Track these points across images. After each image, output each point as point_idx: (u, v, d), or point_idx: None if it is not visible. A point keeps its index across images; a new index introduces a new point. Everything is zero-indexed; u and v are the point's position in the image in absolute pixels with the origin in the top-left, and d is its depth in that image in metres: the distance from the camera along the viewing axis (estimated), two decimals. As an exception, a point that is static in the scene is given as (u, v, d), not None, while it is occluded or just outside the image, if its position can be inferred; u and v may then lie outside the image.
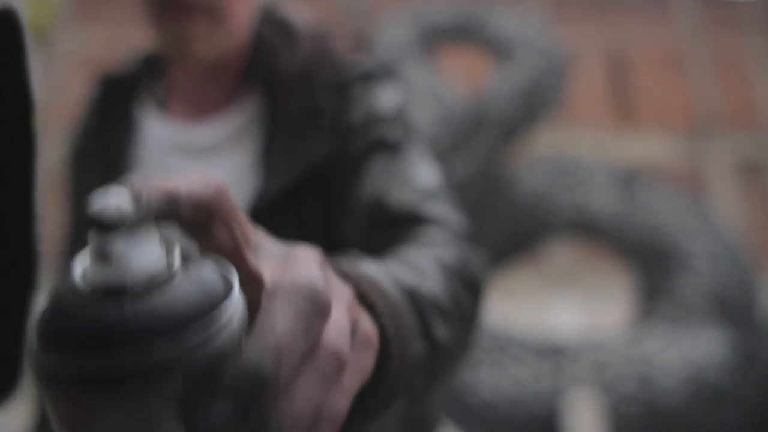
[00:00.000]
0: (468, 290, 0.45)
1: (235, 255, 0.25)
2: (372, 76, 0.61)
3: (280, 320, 0.22)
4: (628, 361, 2.70)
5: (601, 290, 3.52)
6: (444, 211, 0.53)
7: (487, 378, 2.70)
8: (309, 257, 0.25)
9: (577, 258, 3.76)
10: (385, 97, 0.59)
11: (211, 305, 0.22)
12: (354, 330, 0.27)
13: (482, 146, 3.31)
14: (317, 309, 0.24)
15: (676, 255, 3.02)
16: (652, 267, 3.10)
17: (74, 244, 0.74)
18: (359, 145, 0.57)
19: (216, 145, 0.61)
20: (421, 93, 3.30)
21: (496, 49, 3.61)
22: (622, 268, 3.32)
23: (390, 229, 0.51)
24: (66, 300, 0.21)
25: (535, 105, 3.44)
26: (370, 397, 0.31)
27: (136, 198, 0.21)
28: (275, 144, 0.58)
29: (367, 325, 0.28)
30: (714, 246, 3.01)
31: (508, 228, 3.24)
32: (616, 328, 3.00)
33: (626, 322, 3.06)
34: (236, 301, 0.23)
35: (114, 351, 0.20)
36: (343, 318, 0.26)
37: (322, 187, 0.57)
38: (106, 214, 0.21)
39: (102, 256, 0.21)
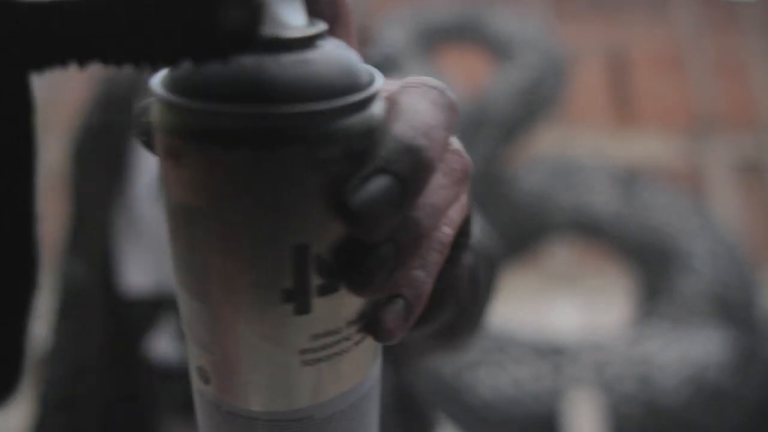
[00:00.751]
0: (488, 267, 0.44)
1: None
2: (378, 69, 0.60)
3: (421, 104, 0.21)
4: (628, 361, 2.70)
5: (601, 290, 3.52)
6: None
7: (486, 378, 2.70)
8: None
9: (577, 258, 3.76)
10: None
11: (364, 74, 0.21)
12: None
13: (482, 146, 3.31)
14: (449, 102, 0.22)
15: (676, 255, 3.02)
16: (652, 267, 3.10)
17: (74, 242, 0.73)
18: None
19: None
20: (421, 93, 3.30)
21: (496, 49, 3.61)
22: (622, 268, 3.32)
23: None
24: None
25: (535, 105, 3.44)
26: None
27: None
28: None
29: None
30: (714, 246, 3.01)
31: (508, 228, 3.24)
32: (616, 328, 3.00)
33: (626, 322, 3.06)
34: (380, 76, 0.21)
35: (276, 106, 0.18)
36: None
37: None
38: None
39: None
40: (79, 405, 0.63)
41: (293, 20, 0.20)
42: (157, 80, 0.20)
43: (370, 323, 0.22)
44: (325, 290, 0.21)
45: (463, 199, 0.25)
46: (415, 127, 0.20)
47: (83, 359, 0.64)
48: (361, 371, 0.23)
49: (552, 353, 2.75)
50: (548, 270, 4.27)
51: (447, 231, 0.23)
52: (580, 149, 4.01)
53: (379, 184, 0.19)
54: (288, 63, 0.19)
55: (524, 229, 3.30)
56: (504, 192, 3.30)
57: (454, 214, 0.24)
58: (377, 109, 0.20)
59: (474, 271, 0.37)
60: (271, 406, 0.22)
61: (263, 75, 0.18)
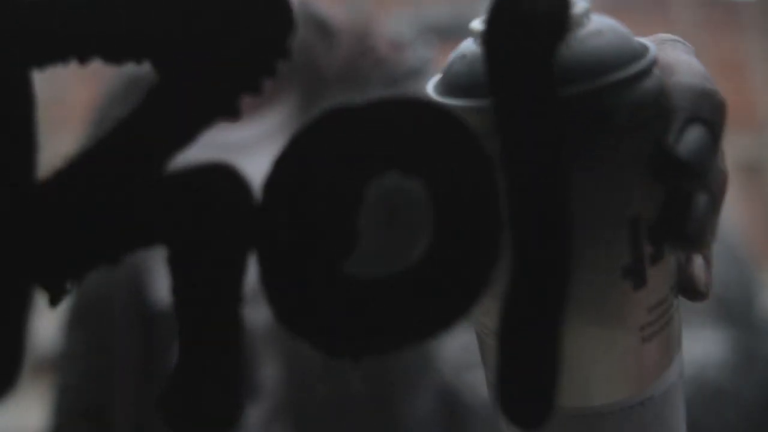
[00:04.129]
0: None
1: None
2: (419, 75, 0.58)
3: (684, 56, 0.22)
4: (628, 361, 2.70)
5: (601, 290, 3.52)
6: None
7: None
8: None
9: (577, 258, 3.75)
10: None
11: (637, 42, 0.21)
12: None
13: (482, 146, 3.31)
14: (692, 48, 0.23)
15: (676, 255, 3.02)
16: (652, 267, 3.10)
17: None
18: None
19: (250, 143, 0.58)
20: (421, 93, 3.30)
21: (496, 49, 3.60)
22: (622, 268, 3.32)
23: None
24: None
25: (535, 105, 3.43)
26: None
27: None
28: None
29: None
30: (714, 246, 3.00)
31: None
32: (616, 328, 3.00)
33: (626, 322, 3.06)
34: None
35: (601, 79, 0.19)
36: None
37: None
38: None
39: None
40: (101, 416, 0.62)
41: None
42: (437, 89, 0.20)
43: (686, 282, 0.22)
44: (655, 259, 0.21)
45: None
46: (697, 74, 0.21)
47: (100, 368, 0.62)
48: (681, 338, 0.23)
49: (552, 353, 2.74)
50: (548, 270, 4.25)
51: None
52: (580, 149, 4.00)
53: (696, 132, 0.19)
54: (586, 38, 0.19)
55: (524, 229, 3.29)
56: (504, 192, 3.29)
57: None
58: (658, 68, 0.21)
59: None
60: (616, 394, 0.21)
61: (586, 54, 0.19)
